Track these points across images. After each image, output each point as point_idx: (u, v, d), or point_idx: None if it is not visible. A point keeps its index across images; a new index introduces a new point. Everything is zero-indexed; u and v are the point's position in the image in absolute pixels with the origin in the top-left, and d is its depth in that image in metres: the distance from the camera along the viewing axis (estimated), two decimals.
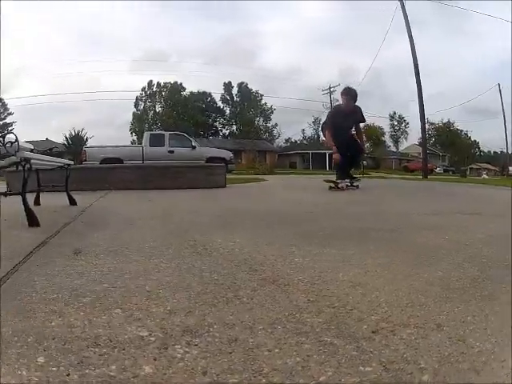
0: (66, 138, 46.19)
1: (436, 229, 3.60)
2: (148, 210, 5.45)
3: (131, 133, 79.21)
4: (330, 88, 63.36)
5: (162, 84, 79.55)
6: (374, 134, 73.88)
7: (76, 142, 43.30)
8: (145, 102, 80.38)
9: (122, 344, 1.32)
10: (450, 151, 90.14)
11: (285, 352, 1.26)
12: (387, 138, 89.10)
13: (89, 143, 40.31)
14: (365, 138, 11.89)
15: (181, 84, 77.95)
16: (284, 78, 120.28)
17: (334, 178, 9.57)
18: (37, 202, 5.47)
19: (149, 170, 10.84)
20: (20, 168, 3.88)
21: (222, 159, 18.86)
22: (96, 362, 1.21)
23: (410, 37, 25.20)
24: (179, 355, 1.25)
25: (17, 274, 2.16)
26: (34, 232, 3.50)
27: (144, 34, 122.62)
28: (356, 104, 9.61)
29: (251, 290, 1.87)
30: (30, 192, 4.27)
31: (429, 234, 3.30)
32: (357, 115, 9.69)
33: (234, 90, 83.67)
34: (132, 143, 63.94)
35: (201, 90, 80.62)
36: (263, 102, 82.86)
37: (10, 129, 76.37)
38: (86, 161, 17.63)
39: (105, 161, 16.90)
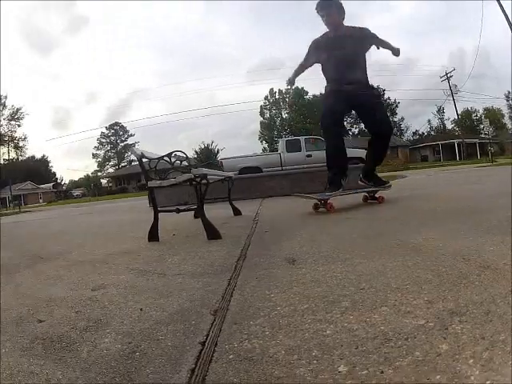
0: (196, 151, 47.38)
1: None
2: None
3: (261, 141, 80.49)
4: (446, 74, 60.06)
5: (283, 91, 79.83)
6: (496, 117, 69.08)
7: (207, 155, 44.31)
8: (270, 110, 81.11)
9: (410, 334, 1.38)
10: None
11: None
12: (507, 120, 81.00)
13: (220, 155, 41.26)
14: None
15: (302, 88, 77.94)
16: (399, 70, 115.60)
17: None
18: (197, 216, 5.39)
19: (298, 176, 10.77)
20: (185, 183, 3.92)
21: (360, 158, 18.37)
22: (399, 353, 1.26)
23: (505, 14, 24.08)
24: (459, 331, 1.37)
25: (240, 290, 2.12)
26: (220, 245, 3.46)
27: (254, 44, 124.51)
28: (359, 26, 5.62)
29: (476, 275, 1.94)
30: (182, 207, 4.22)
31: None
32: (366, 40, 5.62)
33: None
34: (263, 151, 65.01)
35: (323, 92, 78.49)
36: (386, 96, 79.60)
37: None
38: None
39: (243, 170, 17.06)
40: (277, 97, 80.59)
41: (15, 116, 38.67)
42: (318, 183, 9.66)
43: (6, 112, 38.70)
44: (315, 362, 1.26)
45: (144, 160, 4.05)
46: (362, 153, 19.77)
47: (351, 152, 20.10)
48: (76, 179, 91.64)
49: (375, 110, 5.66)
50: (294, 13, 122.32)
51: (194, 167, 4.06)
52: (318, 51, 5.62)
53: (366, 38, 5.60)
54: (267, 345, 1.42)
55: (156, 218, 3.93)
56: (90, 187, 66.68)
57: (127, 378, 1.33)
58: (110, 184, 72.88)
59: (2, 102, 38.30)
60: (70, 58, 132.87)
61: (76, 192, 69.05)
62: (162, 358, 1.41)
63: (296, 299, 1.85)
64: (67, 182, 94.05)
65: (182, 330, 1.63)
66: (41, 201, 66.95)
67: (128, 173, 70.85)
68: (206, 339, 1.52)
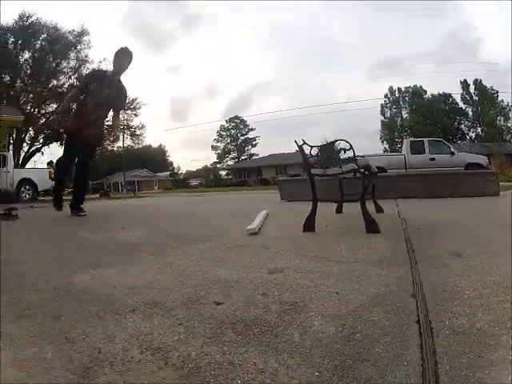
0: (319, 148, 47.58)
1: None
2: (469, 217, 5.21)
3: (382, 141, 77.55)
4: None
5: (403, 89, 77.08)
6: None
7: (329, 152, 44.49)
8: (390, 109, 78.20)
9: None
10: None
11: None
12: None
13: (342, 153, 41.08)
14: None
15: (421, 87, 75.14)
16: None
17: None
18: (339, 210, 5.36)
19: (428, 178, 10.35)
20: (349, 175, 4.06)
21: (479, 165, 17.49)
22: None
23: None
24: None
25: (425, 277, 2.24)
26: (381, 237, 3.51)
27: (371, 41, 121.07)
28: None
29: None
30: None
31: None
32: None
33: (471, 89, 75.41)
34: (384, 151, 63.81)
35: (441, 92, 74.95)
36: (500, 98, 72.39)
37: (254, 143, 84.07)
38: None
39: None
40: (396, 95, 77.81)
41: (131, 106, 40.81)
42: (446, 186, 9.39)
43: None
44: None
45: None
46: (482, 159, 18.94)
47: (475, 158, 19.25)
48: (194, 170, 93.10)
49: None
50: (412, 9, 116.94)
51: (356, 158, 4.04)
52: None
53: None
54: (472, 321, 1.60)
55: (314, 208, 3.91)
56: (208, 178, 68.05)
57: (359, 358, 1.33)
58: (230, 176, 74.26)
59: None
60: (189, 52, 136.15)
61: (194, 182, 70.55)
62: (386, 338, 1.48)
63: (478, 285, 2.05)
64: (184, 171, 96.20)
65: (392, 312, 1.72)
66: (156, 188, 68.89)
67: (248, 166, 71.99)
68: (419, 318, 1.64)
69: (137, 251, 3.15)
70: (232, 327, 1.60)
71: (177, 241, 3.60)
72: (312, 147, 4.00)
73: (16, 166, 27.18)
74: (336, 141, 4.02)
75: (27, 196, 20.21)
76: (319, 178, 4.11)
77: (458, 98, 74.58)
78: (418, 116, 71.32)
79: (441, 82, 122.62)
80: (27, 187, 20.69)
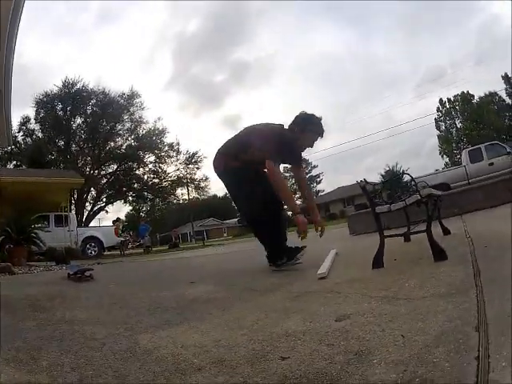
0: (382, 175, 47.83)
1: None
2: None
3: (441, 156, 76.09)
4: None
5: (452, 99, 75.53)
6: None
7: (392, 177, 44.91)
8: (444, 122, 76.49)
9: None
10: None
11: None
12: None
13: (405, 176, 41.27)
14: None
15: (467, 92, 73.50)
16: None
17: None
18: (407, 239, 5.20)
19: (490, 187, 10.11)
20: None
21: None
22: None
23: None
24: None
25: (490, 305, 2.05)
26: (448, 265, 3.36)
27: (410, 57, 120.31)
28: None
29: None
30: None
31: None
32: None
33: None
34: (445, 166, 63.79)
35: (487, 92, 72.20)
36: None
37: (318, 180, 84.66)
38: None
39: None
40: (448, 106, 76.44)
41: (192, 160, 42.31)
42: (509, 191, 9.06)
43: (182, 157, 42.58)
44: None
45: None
46: None
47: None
48: None
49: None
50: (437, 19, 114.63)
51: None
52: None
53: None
54: None
55: (382, 245, 3.85)
56: None
57: None
58: None
59: (175, 148, 42.05)
60: (242, 101, 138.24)
61: None
62: (443, 379, 1.42)
63: None
64: None
65: (454, 350, 1.61)
66: (225, 235, 71.02)
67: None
68: (479, 354, 1.52)
69: (206, 307, 3.14)
70: (295, 383, 1.58)
71: (247, 293, 3.60)
72: (374, 185, 3.98)
73: (79, 224, 28.30)
74: (397, 175, 4.02)
75: (93, 253, 21.21)
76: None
77: (503, 94, 72.35)
78: (470, 123, 69.83)
79: (484, 81, 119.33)
80: (93, 244, 21.65)
